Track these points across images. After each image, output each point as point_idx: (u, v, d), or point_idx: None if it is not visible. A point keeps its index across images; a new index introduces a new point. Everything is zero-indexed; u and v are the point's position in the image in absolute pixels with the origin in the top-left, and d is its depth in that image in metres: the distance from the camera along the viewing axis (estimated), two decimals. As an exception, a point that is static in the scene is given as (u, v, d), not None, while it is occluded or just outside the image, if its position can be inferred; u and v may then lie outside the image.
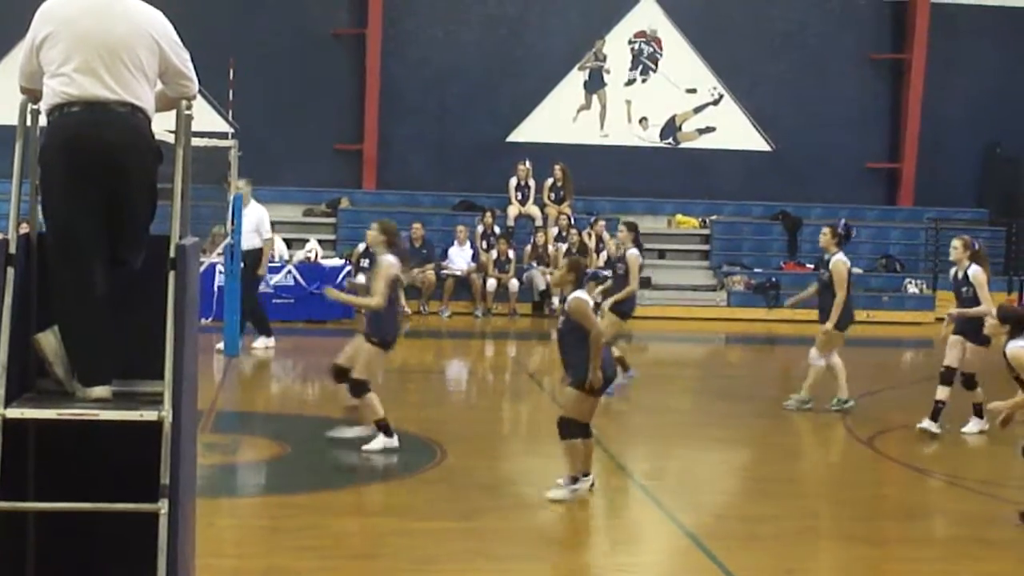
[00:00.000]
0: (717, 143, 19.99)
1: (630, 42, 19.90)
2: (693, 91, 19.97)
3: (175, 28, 4.06)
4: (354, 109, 19.14)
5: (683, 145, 20.08)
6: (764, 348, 16.05)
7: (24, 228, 3.97)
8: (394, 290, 8.13)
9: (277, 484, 7.81)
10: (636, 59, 19.94)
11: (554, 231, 17.91)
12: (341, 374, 8.23)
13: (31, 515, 4.00)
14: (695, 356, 15.53)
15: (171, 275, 3.83)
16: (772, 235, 19.51)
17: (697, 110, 20.05)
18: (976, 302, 9.37)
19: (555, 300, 17.26)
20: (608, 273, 11.55)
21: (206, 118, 14.96)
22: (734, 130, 19.99)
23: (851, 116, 20.07)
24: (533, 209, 18.39)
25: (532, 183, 18.42)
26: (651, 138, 20.01)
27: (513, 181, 18.46)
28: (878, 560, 6.50)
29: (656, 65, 19.96)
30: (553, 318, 16.83)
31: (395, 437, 8.18)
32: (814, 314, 10.68)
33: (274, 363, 12.72)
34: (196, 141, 5.76)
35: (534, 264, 17.64)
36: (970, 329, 9.15)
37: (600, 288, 11.08)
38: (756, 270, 18.85)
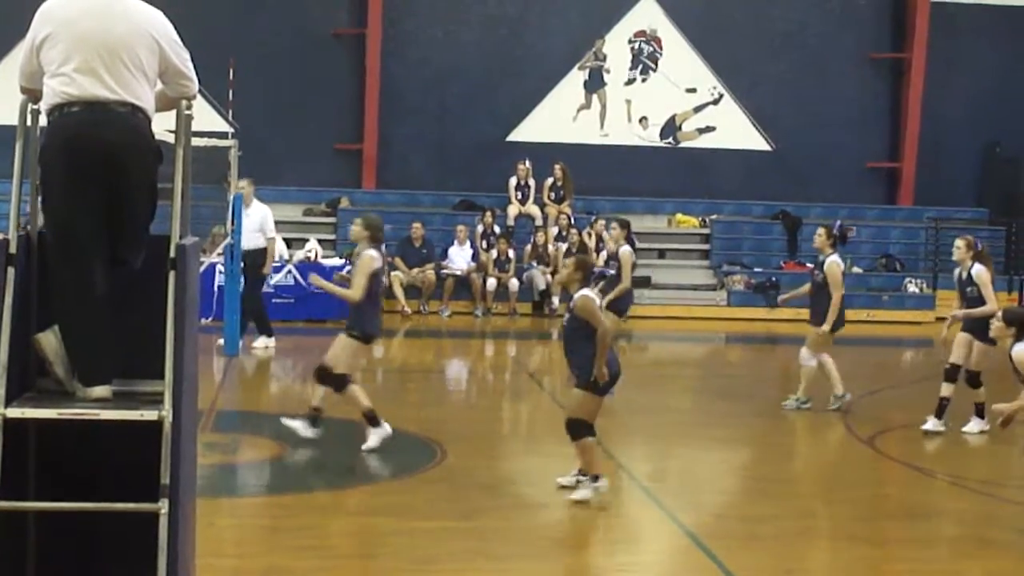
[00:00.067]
0: (717, 142, 20.00)
1: (630, 41, 19.90)
2: (693, 91, 19.97)
3: (175, 28, 4.06)
4: (354, 109, 19.14)
5: (683, 145, 20.08)
6: (764, 348, 16.05)
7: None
8: (376, 285, 8.12)
9: (277, 484, 7.82)
10: (636, 58, 19.94)
11: (554, 231, 17.92)
12: (325, 374, 8.23)
13: (31, 515, 4.00)
14: (695, 356, 15.53)
15: (171, 275, 3.83)
16: (772, 235, 19.51)
17: (697, 109, 20.05)
18: (982, 301, 9.39)
19: (555, 300, 17.29)
20: (612, 272, 11.57)
21: (206, 118, 14.97)
22: (734, 130, 19.99)
23: (851, 116, 20.07)
24: (533, 209, 18.39)
25: (532, 183, 18.42)
26: (651, 137, 20.01)
27: (513, 181, 18.46)
28: (878, 560, 6.50)
29: (656, 64, 19.96)
30: (553, 317, 16.87)
31: (386, 425, 8.17)
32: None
33: (274, 363, 12.72)
34: (196, 141, 5.76)
35: (534, 264, 17.64)
36: (978, 327, 9.16)
37: (596, 288, 11.09)
38: (756, 270, 18.85)
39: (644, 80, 19.98)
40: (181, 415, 3.74)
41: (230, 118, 15.22)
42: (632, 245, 11.24)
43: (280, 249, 15.59)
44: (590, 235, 17.46)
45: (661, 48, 19.94)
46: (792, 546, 6.60)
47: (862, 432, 9.54)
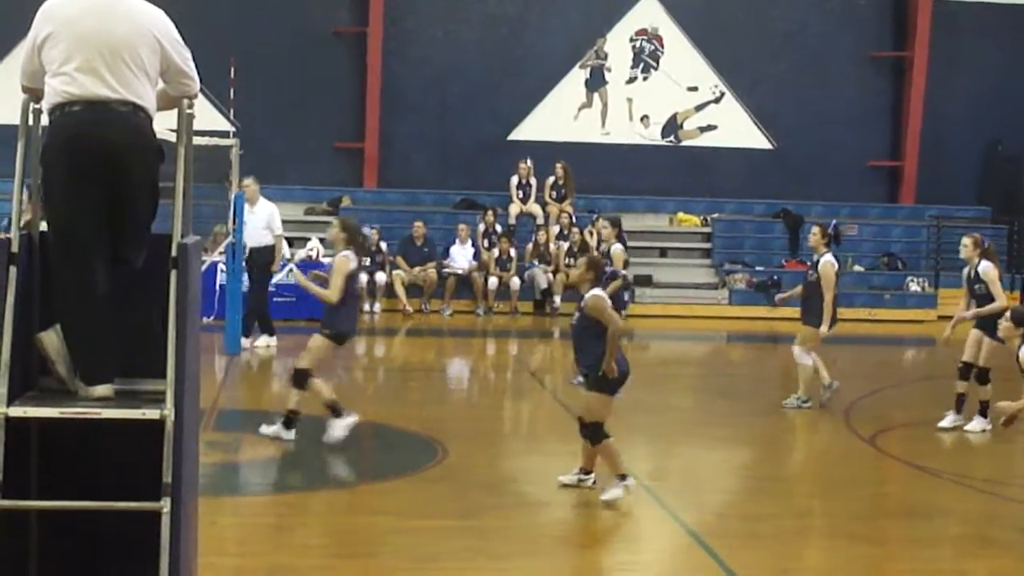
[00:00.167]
0: (718, 141, 19.98)
1: (631, 40, 19.89)
2: (694, 89, 19.96)
3: (176, 27, 4.06)
4: (355, 108, 19.14)
5: (684, 143, 20.08)
6: (765, 346, 16.04)
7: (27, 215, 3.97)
8: (352, 286, 8.22)
9: (279, 482, 7.82)
10: (637, 57, 19.94)
11: (555, 229, 17.91)
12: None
13: (33, 514, 4.00)
14: (696, 354, 15.53)
15: (173, 274, 3.83)
16: (774, 233, 19.50)
17: (698, 108, 20.04)
18: (990, 298, 9.41)
19: (557, 298, 17.29)
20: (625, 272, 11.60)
21: (207, 117, 14.95)
22: (735, 128, 19.98)
23: (852, 114, 20.05)
24: (534, 207, 18.39)
25: (533, 181, 18.42)
26: (652, 136, 20.00)
27: (514, 179, 18.46)
28: (879, 559, 6.50)
29: (657, 63, 19.96)
30: (555, 316, 16.88)
31: (345, 415, 8.21)
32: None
33: (276, 361, 12.72)
34: (197, 140, 5.76)
35: (535, 262, 17.64)
36: (988, 325, 9.19)
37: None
38: (758, 268, 18.84)
39: (645, 79, 19.97)
40: (183, 414, 3.74)
41: (231, 117, 15.22)
42: (623, 243, 11.27)
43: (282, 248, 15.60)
44: (591, 234, 17.44)
45: (662, 46, 19.93)
46: (793, 545, 6.60)
47: (863, 431, 9.54)
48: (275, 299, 14.93)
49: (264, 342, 13.01)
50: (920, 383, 13.12)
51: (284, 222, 13.60)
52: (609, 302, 7.21)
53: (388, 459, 8.40)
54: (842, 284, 17.47)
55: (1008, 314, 7.50)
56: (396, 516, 6.77)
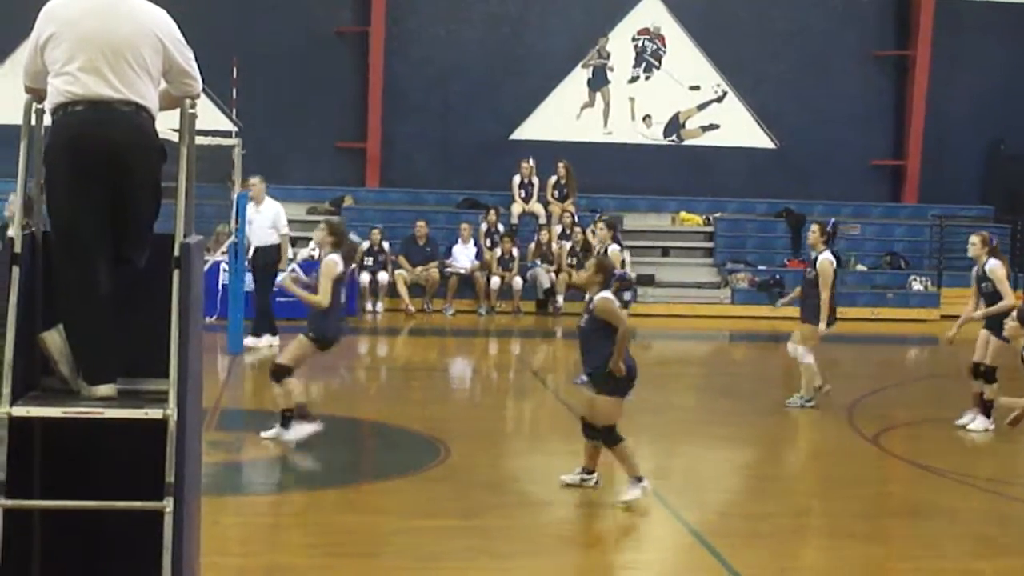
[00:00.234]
0: (721, 140, 19.97)
1: (633, 39, 19.89)
2: (697, 88, 19.95)
3: (179, 27, 4.07)
4: (357, 107, 19.14)
5: (687, 142, 20.07)
6: (768, 346, 16.03)
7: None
8: (338, 289, 8.21)
9: (281, 482, 7.83)
10: (640, 56, 19.93)
11: (558, 229, 17.91)
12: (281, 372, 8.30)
13: (37, 513, 4.01)
14: (699, 354, 15.52)
15: (175, 273, 3.84)
16: (776, 232, 19.49)
17: (701, 107, 20.04)
18: (998, 297, 9.40)
19: (559, 298, 17.29)
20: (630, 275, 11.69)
21: (210, 116, 14.98)
22: (738, 127, 19.97)
23: (855, 113, 20.04)
24: (537, 207, 18.39)
25: (536, 181, 18.42)
26: (655, 135, 19.99)
27: (517, 179, 18.46)
28: (882, 558, 6.49)
29: (660, 62, 19.95)
30: (557, 316, 16.87)
31: (311, 421, 8.20)
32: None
33: (278, 361, 12.72)
34: (200, 140, 5.77)
35: (538, 262, 17.64)
36: (995, 324, 9.19)
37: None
38: (760, 267, 18.83)
39: (648, 78, 19.96)
40: (185, 413, 3.75)
41: (234, 117, 15.23)
42: (619, 244, 11.33)
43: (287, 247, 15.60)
44: (594, 233, 17.43)
45: (665, 46, 19.93)
46: (796, 544, 6.60)
47: (866, 430, 9.53)
48: (278, 299, 14.95)
49: (266, 342, 13.02)
50: (923, 382, 13.11)
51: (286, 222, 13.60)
52: (618, 303, 7.24)
53: (390, 458, 8.40)
54: (845, 283, 17.60)
55: (1014, 313, 7.48)
56: (399, 516, 6.77)
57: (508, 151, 18.92)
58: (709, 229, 19.45)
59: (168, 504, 3.64)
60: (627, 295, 11.39)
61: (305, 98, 18.89)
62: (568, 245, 17.54)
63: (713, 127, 20.05)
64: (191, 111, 4.08)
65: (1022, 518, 7.18)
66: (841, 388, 10.81)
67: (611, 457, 7.19)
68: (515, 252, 17.52)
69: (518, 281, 17.34)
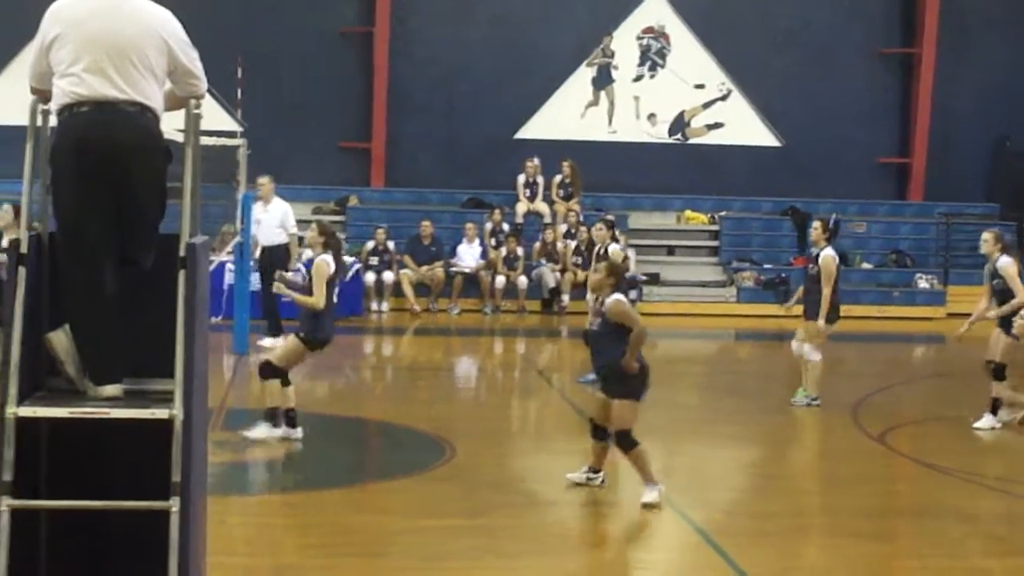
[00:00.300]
0: (726, 139, 19.95)
1: (638, 38, 19.87)
2: (701, 87, 19.93)
3: (183, 27, 4.07)
4: (362, 107, 19.15)
5: (692, 141, 20.05)
6: (773, 344, 16.01)
7: (36, 227, 3.99)
8: (331, 290, 8.24)
9: (287, 482, 7.83)
10: (644, 55, 19.91)
11: (563, 228, 17.91)
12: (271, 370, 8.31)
13: (43, 513, 4.02)
14: (704, 352, 15.51)
15: (181, 274, 3.84)
16: (782, 231, 19.47)
17: (706, 106, 20.01)
18: (1010, 294, 9.37)
19: (565, 297, 17.28)
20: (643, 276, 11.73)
21: (215, 117, 14.98)
22: (743, 126, 19.94)
23: (860, 111, 20.00)
24: (542, 206, 18.39)
25: (540, 180, 18.41)
26: (660, 134, 19.97)
27: (521, 178, 18.45)
28: (888, 557, 6.48)
29: (664, 61, 19.93)
30: (563, 315, 16.87)
31: (276, 427, 8.23)
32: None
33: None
34: (205, 140, 5.78)
35: (543, 261, 17.64)
36: (1007, 321, 9.17)
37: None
38: (765, 266, 18.81)
39: (652, 76, 19.94)
40: (192, 413, 3.75)
41: (239, 117, 15.25)
42: (618, 242, 11.37)
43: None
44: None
45: (669, 44, 19.91)
46: (801, 543, 6.59)
47: (872, 428, 9.51)
48: (283, 299, 14.95)
49: (271, 342, 13.02)
50: (929, 380, 13.08)
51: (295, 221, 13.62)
52: (630, 305, 7.24)
53: (396, 458, 8.41)
54: (851, 281, 17.56)
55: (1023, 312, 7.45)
56: (404, 515, 6.77)
57: (513, 150, 18.92)
58: (714, 228, 19.43)
59: (174, 504, 3.65)
60: (632, 294, 11.39)
61: (310, 98, 18.90)
62: (573, 244, 17.52)
63: (718, 125, 20.03)
64: (196, 111, 4.09)
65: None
66: (847, 386, 10.80)
67: (617, 455, 7.19)
68: (520, 251, 17.52)
69: (523, 280, 17.34)
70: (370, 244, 17.36)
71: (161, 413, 3.71)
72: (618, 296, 7.10)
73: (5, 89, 17.50)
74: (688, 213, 19.55)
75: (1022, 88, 19.98)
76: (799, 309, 10.51)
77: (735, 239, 19.31)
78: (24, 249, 3.83)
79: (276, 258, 12.75)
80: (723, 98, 19.99)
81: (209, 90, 4.31)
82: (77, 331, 3.91)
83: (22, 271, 3.80)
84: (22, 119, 4.01)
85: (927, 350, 16.28)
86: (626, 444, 7.00)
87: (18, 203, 8.59)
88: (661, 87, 19.87)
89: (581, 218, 17.90)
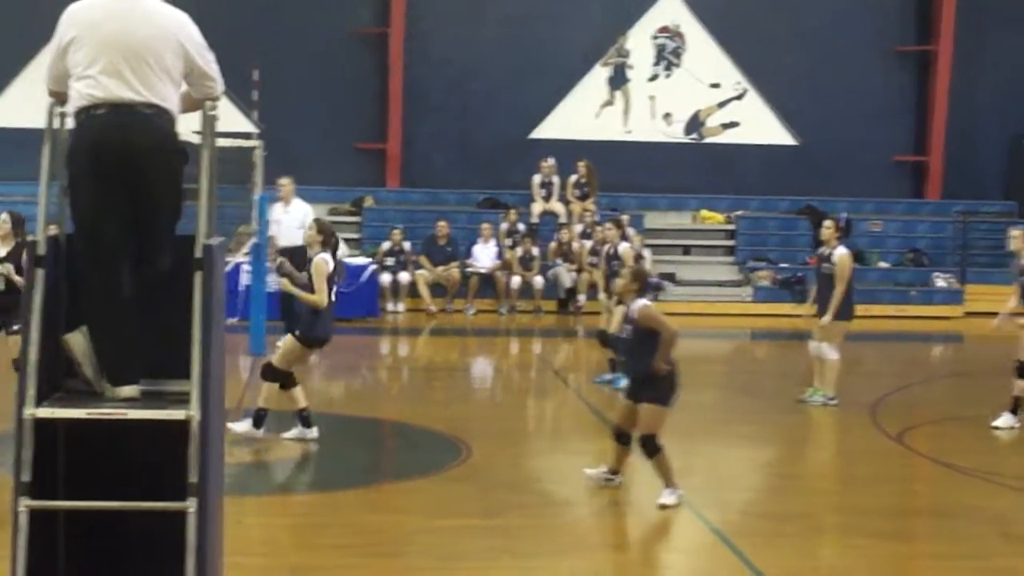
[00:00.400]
0: (741, 138, 19.89)
1: (653, 37, 19.83)
2: (717, 86, 19.88)
3: (199, 29, 4.08)
4: (377, 108, 19.19)
5: (707, 140, 20.00)
6: (790, 344, 15.94)
7: (53, 229, 4.01)
8: (330, 289, 8.24)
9: (304, 482, 7.86)
10: (659, 54, 19.87)
11: (579, 228, 17.88)
12: (270, 370, 8.32)
13: (61, 513, 4.04)
14: (720, 352, 15.46)
15: (198, 275, 3.85)
16: (798, 230, 19.40)
17: (721, 105, 19.96)
18: None
19: (581, 297, 17.26)
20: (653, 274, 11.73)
21: (231, 118, 15.04)
22: (758, 125, 19.88)
23: (877, 109, 19.91)
24: (557, 206, 18.38)
25: (556, 180, 18.40)
26: (675, 134, 19.93)
27: (537, 178, 18.45)
28: (906, 557, 6.45)
29: (679, 60, 19.89)
30: (578, 315, 16.85)
31: (259, 429, 8.22)
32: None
33: (300, 362, 12.75)
34: (221, 141, 5.78)
35: (559, 261, 17.62)
36: None
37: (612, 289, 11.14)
38: (782, 265, 18.75)
39: (668, 76, 19.91)
40: (208, 414, 3.76)
41: (255, 118, 15.30)
42: (628, 242, 11.39)
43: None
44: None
45: (684, 43, 19.86)
46: (819, 543, 6.56)
47: (890, 428, 9.46)
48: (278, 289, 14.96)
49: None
50: (947, 379, 13.01)
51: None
52: (657, 309, 7.24)
53: (412, 458, 8.42)
54: (868, 280, 17.49)
55: None
56: (420, 515, 6.78)
57: (528, 150, 18.92)
58: (730, 227, 19.38)
59: (191, 504, 3.66)
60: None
61: (325, 99, 18.95)
62: (589, 244, 17.49)
63: (734, 124, 19.97)
64: (212, 113, 4.10)
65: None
66: (864, 386, 10.75)
67: (632, 457, 7.17)
68: (536, 251, 17.51)
69: (539, 280, 17.33)
70: (386, 245, 17.39)
71: (178, 414, 3.73)
72: (644, 301, 7.11)
73: (22, 92, 17.63)
74: (704, 212, 19.51)
75: (1040, 85, 19.85)
76: (813, 309, 10.47)
77: (751, 238, 19.25)
78: (41, 251, 3.85)
79: (296, 259, 12.77)
80: (739, 97, 19.94)
81: (225, 92, 4.33)
82: (94, 332, 3.93)
83: (39, 273, 3.82)
84: (39, 122, 4.04)
85: (945, 349, 16.19)
86: (651, 448, 6.99)
87: (18, 212, 8.62)
88: (676, 86, 19.83)
89: (597, 218, 17.88)
